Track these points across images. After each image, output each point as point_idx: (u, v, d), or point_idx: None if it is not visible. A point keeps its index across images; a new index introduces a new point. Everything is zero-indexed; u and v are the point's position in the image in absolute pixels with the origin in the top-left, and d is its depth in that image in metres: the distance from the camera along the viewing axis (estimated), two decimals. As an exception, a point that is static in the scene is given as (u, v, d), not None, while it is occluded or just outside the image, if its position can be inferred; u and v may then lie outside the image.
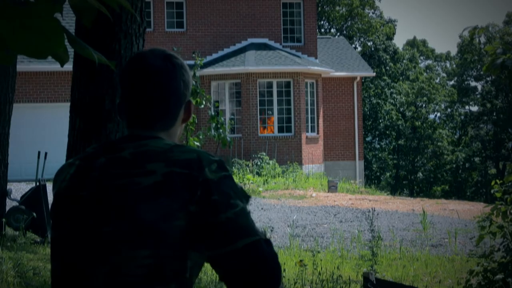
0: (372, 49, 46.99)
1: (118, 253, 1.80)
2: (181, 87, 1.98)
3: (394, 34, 48.82)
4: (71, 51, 6.47)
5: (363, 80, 36.71)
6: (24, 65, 22.02)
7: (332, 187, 22.14)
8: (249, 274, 1.80)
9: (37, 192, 11.51)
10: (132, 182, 1.82)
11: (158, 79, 1.94)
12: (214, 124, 17.08)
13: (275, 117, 25.84)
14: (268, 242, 1.84)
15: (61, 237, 1.90)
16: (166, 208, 1.79)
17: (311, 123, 26.71)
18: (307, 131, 26.37)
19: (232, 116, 25.64)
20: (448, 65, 54.78)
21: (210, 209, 1.81)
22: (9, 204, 11.85)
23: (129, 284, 1.79)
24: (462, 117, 49.87)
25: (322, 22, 48.74)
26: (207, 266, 6.84)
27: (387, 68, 46.32)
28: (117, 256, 1.80)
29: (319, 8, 47.34)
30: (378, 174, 46.73)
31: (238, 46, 27.12)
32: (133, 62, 1.98)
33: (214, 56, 26.80)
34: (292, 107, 25.76)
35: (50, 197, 12.46)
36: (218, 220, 1.80)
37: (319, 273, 8.41)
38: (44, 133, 22.71)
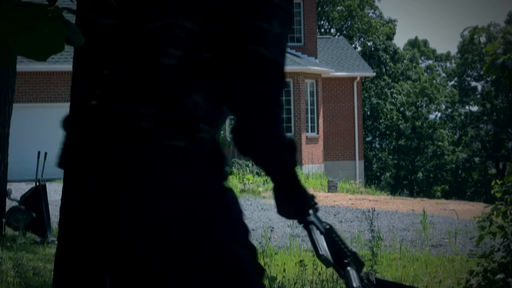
0: (372, 49, 46.99)
1: None
2: None
3: (394, 34, 48.83)
4: (71, 50, 6.45)
5: (363, 80, 36.71)
6: (24, 65, 22.01)
7: (332, 187, 22.14)
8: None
9: (37, 192, 11.50)
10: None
11: None
12: (214, 124, 17.08)
13: (275, 117, 25.83)
14: None
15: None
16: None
17: (311, 123, 26.70)
18: (307, 131, 26.37)
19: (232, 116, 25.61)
20: (448, 65, 54.81)
21: None
22: (9, 204, 11.83)
23: None
24: (462, 117, 49.89)
25: (322, 22, 48.74)
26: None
27: (387, 68, 46.32)
28: None
29: (319, 8, 47.34)
30: (378, 174, 46.74)
31: (238, 46, 27.10)
32: None
33: (214, 56, 26.79)
34: (292, 107, 25.76)
35: (50, 197, 12.47)
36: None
37: (319, 273, 8.40)
38: (44, 133, 22.70)
